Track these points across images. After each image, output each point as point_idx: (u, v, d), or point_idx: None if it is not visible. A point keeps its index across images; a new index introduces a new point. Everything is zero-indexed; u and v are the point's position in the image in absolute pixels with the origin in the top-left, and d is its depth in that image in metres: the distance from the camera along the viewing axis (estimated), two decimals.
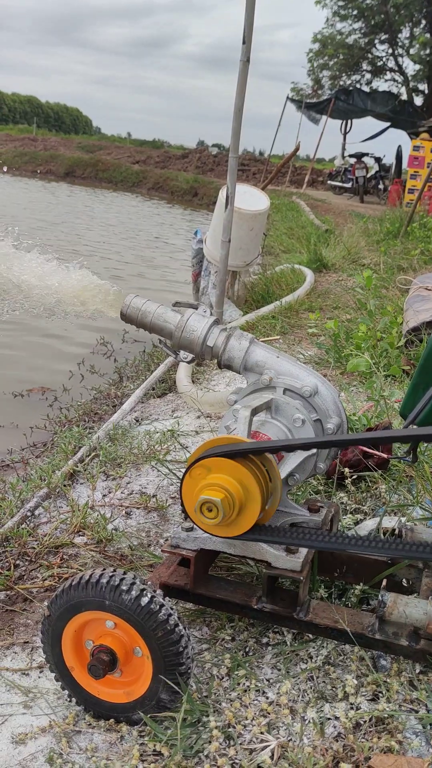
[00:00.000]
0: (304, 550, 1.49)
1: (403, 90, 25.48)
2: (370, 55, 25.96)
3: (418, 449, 2.12)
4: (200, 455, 1.37)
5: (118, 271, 9.63)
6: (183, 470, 2.51)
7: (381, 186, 19.05)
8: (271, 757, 1.28)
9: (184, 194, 23.60)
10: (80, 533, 2.18)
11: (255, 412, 1.51)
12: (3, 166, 27.23)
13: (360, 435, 1.28)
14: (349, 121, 23.04)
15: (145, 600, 1.32)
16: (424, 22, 23.46)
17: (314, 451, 1.60)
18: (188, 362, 1.82)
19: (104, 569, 1.38)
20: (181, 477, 1.42)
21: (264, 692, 1.47)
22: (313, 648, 1.58)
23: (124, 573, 1.37)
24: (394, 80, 26.03)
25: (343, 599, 1.71)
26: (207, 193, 21.80)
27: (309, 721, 1.36)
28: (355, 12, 24.69)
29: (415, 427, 1.55)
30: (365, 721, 1.35)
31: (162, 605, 1.33)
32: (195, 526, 1.51)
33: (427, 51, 23.18)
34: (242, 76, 4.39)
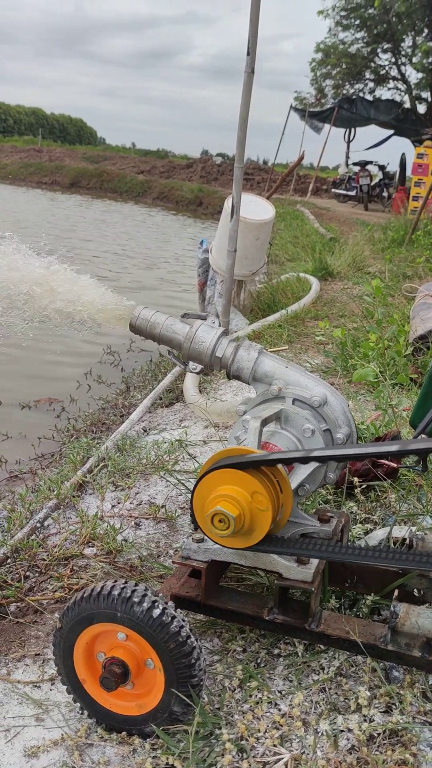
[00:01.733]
0: (315, 561, 1.49)
1: (406, 98, 25.53)
2: (372, 64, 26.04)
3: (428, 458, 2.11)
4: (211, 466, 1.37)
5: (124, 281, 9.66)
6: (192, 480, 2.51)
7: (385, 194, 19.06)
8: None
9: (188, 204, 23.68)
10: (90, 544, 2.18)
11: (265, 422, 1.51)
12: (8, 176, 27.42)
13: (369, 447, 1.28)
14: (352, 130, 23.10)
15: (156, 612, 1.32)
16: (426, 31, 23.54)
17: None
18: (197, 373, 1.83)
19: (116, 581, 1.38)
20: (191, 488, 1.43)
21: (276, 704, 1.47)
22: (325, 659, 1.58)
23: (136, 584, 1.37)
24: (397, 89, 26.09)
25: (354, 610, 1.71)
26: (211, 202, 21.88)
27: (322, 734, 1.36)
28: (357, 22, 24.78)
29: (424, 436, 1.55)
30: (379, 734, 1.34)
31: (174, 617, 1.33)
32: (206, 537, 1.51)
33: (430, 59, 23.22)
34: (247, 86, 4.42)
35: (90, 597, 1.37)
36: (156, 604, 1.33)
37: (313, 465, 1.57)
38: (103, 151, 40.67)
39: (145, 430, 3.35)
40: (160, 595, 1.37)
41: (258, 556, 1.49)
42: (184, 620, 1.35)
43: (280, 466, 1.38)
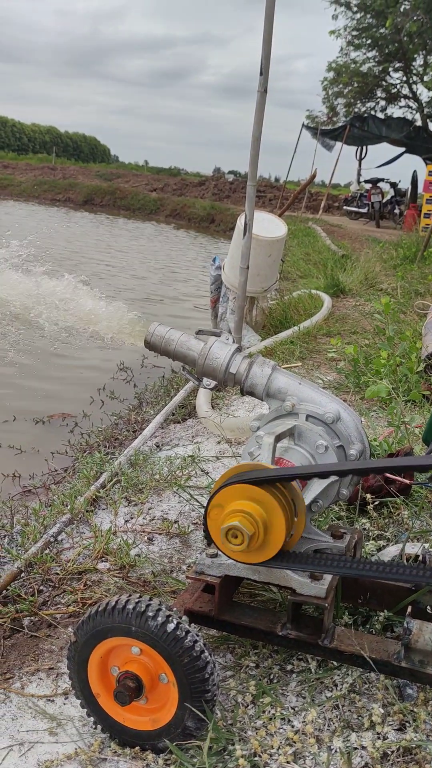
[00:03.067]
0: (328, 577, 1.49)
1: (417, 116, 25.66)
2: (384, 83, 26.21)
3: None
4: (225, 482, 1.38)
5: (138, 296, 9.73)
6: (205, 496, 2.52)
7: (397, 211, 19.13)
8: None
9: (201, 221, 23.84)
10: (103, 559, 2.20)
11: (278, 438, 1.53)
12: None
13: (384, 462, 1.29)
14: (364, 147, 23.22)
15: (171, 626, 1.33)
16: None
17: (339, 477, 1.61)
18: (211, 389, 1.85)
19: (130, 595, 1.39)
20: (205, 503, 1.44)
21: (289, 720, 1.47)
22: (338, 675, 1.57)
23: (150, 599, 1.38)
24: (409, 107, 26.24)
25: (367, 626, 1.70)
26: (224, 219, 22.02)
27: (336, 751, 1.35)
28: (369, 41, 24.99)
29: None
30: (393, 751, 1.34)
31: (188, 632, 1.34)
32: (219, 552, 1.52)
33: None
34: (260, 106, 4.48)
35: (105, 611, 1.38)
36: (170, 618, 1.34)
37: (327, 481, 1.58)
38: (117, 168, 41.07)
39: (158, 446, 3.37)
40: (174, 609, 1.38)
41: (271, 571, 1.49)
42: (198, 635, 1.36)
43: (294, 481, 1.40)
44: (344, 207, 21.98)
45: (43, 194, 28.52)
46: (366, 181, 20.67)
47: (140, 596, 1.38)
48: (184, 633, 1.34)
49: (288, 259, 9.85)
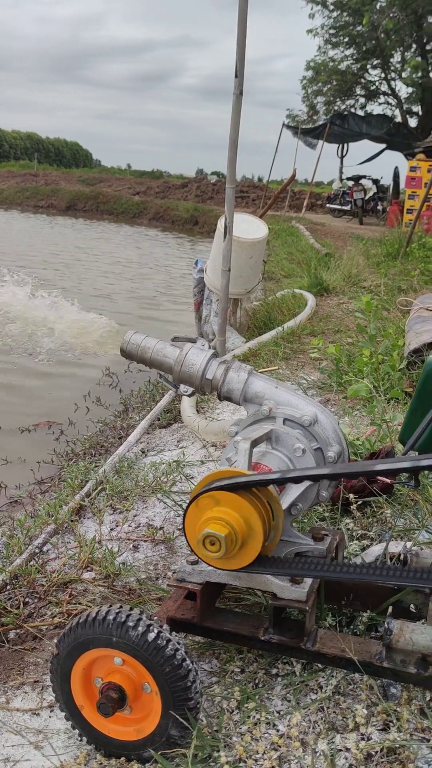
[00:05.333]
0: (309, 580, 1.49)
1: (397, 112, 25.79)
2: (363, 80, 26.33)
3: (421, 474, 2.12)
4: (201, 489, 1.38)
5: (119, 302, 9.72)
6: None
7: (380, 207, 19.20)
8: None
9: (184, 223, 23.85)
10: (88, 568, 2.19)
11: (255, 443, 1.53)
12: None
13: (358, 466, 1.30)
14: (345, 145, 23.33)
15: (152, 635, 1.33)
16: (414, 46, 23.82)
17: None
18: (188, 395, 1.85)
19: (111, 606, 1.39)
20: (183, 510, 1.44)
21: (274, 724, 1.47)
22: (323, 678, 1.58)
23: (131, 609, 1.37)
24: (388, 103, 26.37)
25: (352, 627, 1.71)
26: (207, 221, 22.04)
27: (320, 754, 1.36)
28: (346, 39, 25.10)
29: (415, 452, 1.56)
30: (376, 752, 1.34)
31: (169, 640, 1.34)
32: (200, 559, 1.52)
33: (419, 74, 23.50)
34: (236, 108, 4.48)
35: (86, 623, 1.38)
36: (151, 627, 1.34)
37: (305, 484, 1.58)
38: (99, 173, 40.99)
39: (143, 452, 3.37)
40: (155, 618, 1.38)
41: (252, 576, 1.50)
42: (179, 643, 1.36)
43: (271, 486, 1.40)
44: (327, 205, 22.05)
45: (26, 201, 28.45)
46: (348, 179, 20.76)
47: (120, 606, 1.38)
48: (165, 642, 1.33)
49: (271, 259, 9.88)
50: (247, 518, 1.35)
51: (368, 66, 25.76)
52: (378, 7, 22.32)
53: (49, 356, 6.00)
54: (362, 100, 26.76)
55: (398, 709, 1.43)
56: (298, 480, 1.33)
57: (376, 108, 26.34)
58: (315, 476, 1.32)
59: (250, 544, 1.36)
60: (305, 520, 2.22)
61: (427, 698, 1.47)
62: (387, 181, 20.08)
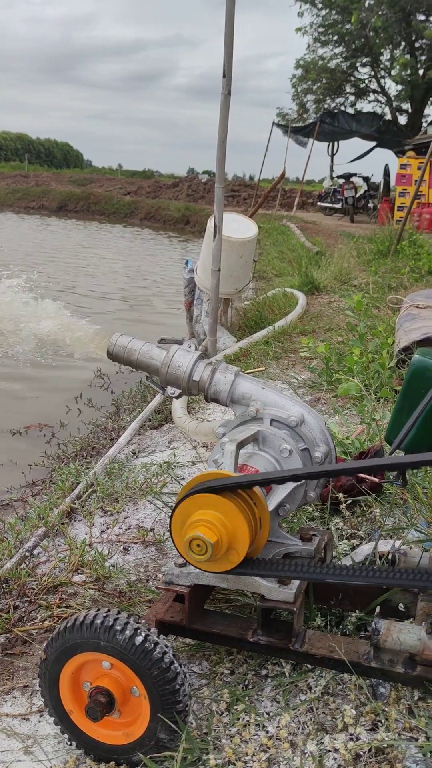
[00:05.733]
0: (296, 581, 1.49)
1: (387, 110, 25.85)
2: (352, 78, 26.38)
3: (409, 472, 2.13)
4: (187, 492, 1.38)
5: (109, 303, 9.70)
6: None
7: (370, 205, 19.24)
8: None
9: (176, 223, 23.85)
10: (79, 571, 2.19)
11: (241, 445, 1.53)
12: None
13: (344, 465, 1.30)
14: (335, 143, 23.35)
15: (139, 639, 1.33)
16: (403, 44, 23.87)
17: (303, 480, 1.61)
18: (176, 397, 1.84)
19: (98, 610, 1.38)
20: (170, 513, 1.44)
21: (264, 726, 1.47)
22: (312, 678, 1.58)
23: (118, 613, 1.37)
24: (378, 101, 26.43)
25: (341, 627, 1.71)
26: (199, 220, 22.03)
27: (309, 755, 1.36)
28: (335, 37, 25.13)
29: (401, 452, 1.56)
30: (365, 752, 1.35)
31: (156, 643, 1.34)
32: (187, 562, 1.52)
33: (408, 72, 23.56)
34: (224, 108, 4.49)
35: (73, 627, 1.37)
36: (138, 631, 1.34)
37: (292, 484, 1.59)
38: (90, 173, 40.93)
39: (134, 453, 3.36)
40: (143, 622, 1.38)
41: (239, 578, 1.50)
42: (167, 646, 1.35)
43: (256, 487, 1.40)
44: (318, 203, 22.08)
45: (17, 202, 28.38)
46: (339, 177, 20.79)
47: (108, 610, 1.38)
48: (152, 645, 1.33)
49: (262, 258, 9.88)
50: (233, 520, 1.35)
51: (357, 64, 25.82)
52: (366, 5, 22.34)
53: (40, 358, 5.99)
54: (352, 98, 26.82)
55: (387, 708, 1.43)
56: (281, 481, 1.33)
57: (365, 106, 26.41)
58: (298, 476, 1.32)
59: (236, 546, 1.36)
60: (294, 520, 2.22)
61: (416, 697, 1.47)
62: (377, 178, 20.13)
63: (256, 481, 1.33)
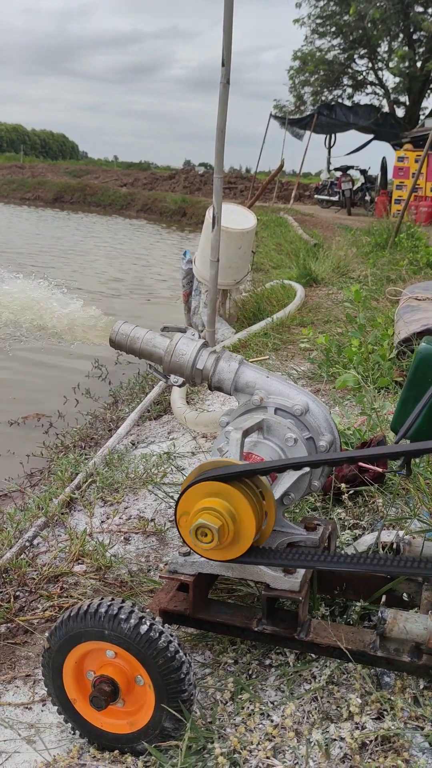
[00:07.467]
0: (302, 570, 1.48)
1: (384, 102, 25.77)
2: (350, 70, 26.28)
3: (412, 462, 2.12)
4: (193, 480, 1.37)
5: (109, 294, 9.67)
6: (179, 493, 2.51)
7: (368, 198, 19.21)
8: None
9: (172, 215, 23.77)
10: (79, 561, 2.17)
11: (246, 433, 1.51)
12: None
13: (351, 453, 1.29)
14: (332, 135, 23.29)
15: (144, 628, 1.32)
16: (401, 36, 23.79)
17: (308, 469, 1.60)
18: (179, 386, 1.83)
19: (102, 598, 1.37)
20: (175, 502, 1.43)
21: (269, 715, 1.46)
22: (317, 668, 1.57)
23: (123, 601, 1.36)
24: (375, 93, 26.35)
25: (345, 616, 1.70)
26: (195, 212, 21.96)
27: (314, 744, 1.35)
28: (333, 29, 25.03)
29: (406, 441, 1.55)
30: (371, 741, 1.34)
31: (161, 632, 1.33)
32: (192, 550, 1.50)
33: (406, 64, 23.48)
34: (223, 97, 4.44)
35: (77, 615, 1.36)
36: (143, 620, 1.33)
37: (297, 473, 1.57)
38: (86, 165, 40.75)
39: (133, 444, 3.35)
40: (147, 610, 1.37)
41: (244, 567, 1.48)
42: (172, 635, 1.34)
43: (261, 476, 1.39)
44: (315, 196, 22.04)
45: (12, 193, 28.24)
46: (336, 169, 20.73)
47: (112, 599, 1.37)
48: (157, 634, 1.32)
49: (260, 250, 9.84)
50: (239, 508, 1.34)
51: (355, 56, 25.73)
52: None
53: (38, 348, 5.96)
54: (349, 90, 26.74)
55: (392, 697, 1.43)
56: (291, 468, 1.32)
57: (363, 98, 26.33)
58: (305, 464, 1.31)
59: (242, 534, 1.35)
60: (297, 511, 2.21)
61: (421, 687, 1.46)
62: (375, 171, 20.09)
63: (264, 469, 1.32)
